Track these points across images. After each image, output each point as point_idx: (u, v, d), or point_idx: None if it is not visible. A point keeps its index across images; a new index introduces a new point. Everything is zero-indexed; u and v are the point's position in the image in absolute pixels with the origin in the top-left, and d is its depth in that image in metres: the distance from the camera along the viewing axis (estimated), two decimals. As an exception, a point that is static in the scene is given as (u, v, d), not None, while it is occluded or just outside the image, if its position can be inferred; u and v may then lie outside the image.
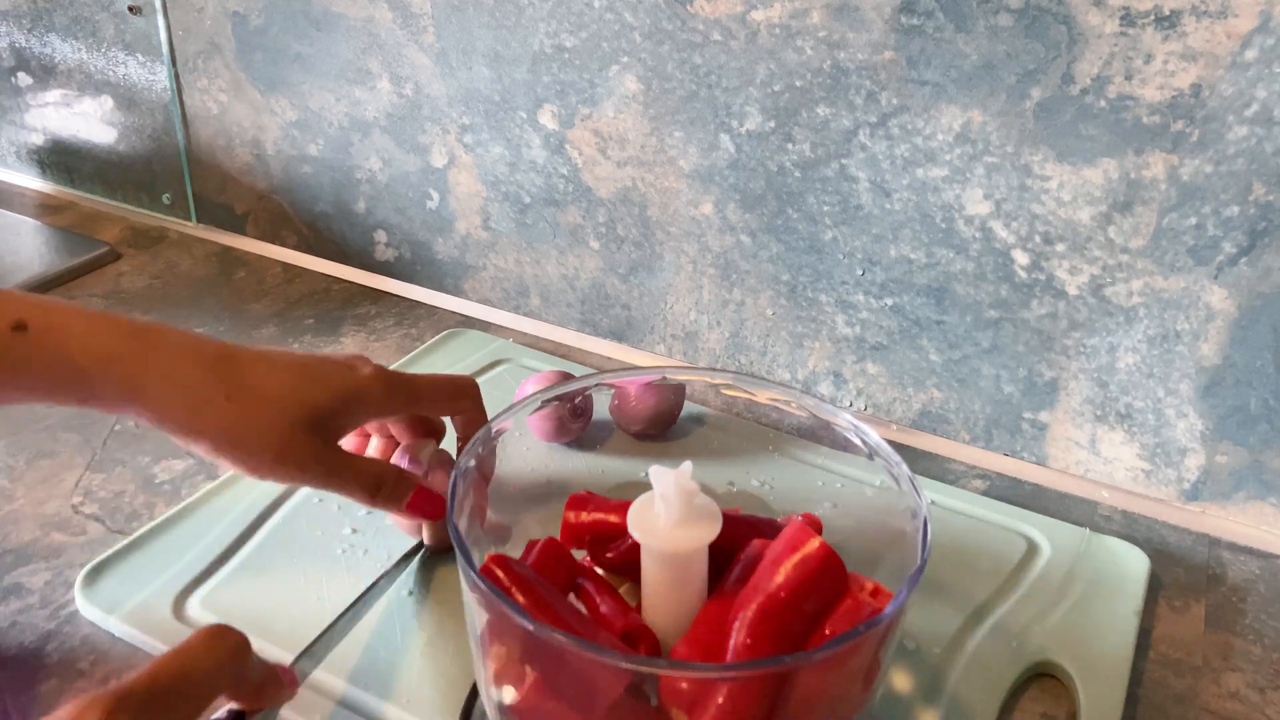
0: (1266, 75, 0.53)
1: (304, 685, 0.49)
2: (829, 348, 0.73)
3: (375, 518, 0.59)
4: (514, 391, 0.69)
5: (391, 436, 0.56)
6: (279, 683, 0.42)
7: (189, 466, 0.65)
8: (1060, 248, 0.62)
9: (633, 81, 0.71)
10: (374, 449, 0.55)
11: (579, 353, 0.81)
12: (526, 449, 0.52)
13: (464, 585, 0.38)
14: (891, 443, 0.44)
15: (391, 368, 0.74)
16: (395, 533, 0.58)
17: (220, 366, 0.46)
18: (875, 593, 0.41)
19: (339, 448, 0.50)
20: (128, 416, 0.46)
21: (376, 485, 0.50)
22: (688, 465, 0.40)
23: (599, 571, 0.46)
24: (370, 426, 0.55)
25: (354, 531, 0.58)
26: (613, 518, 0.46)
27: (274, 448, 0.46)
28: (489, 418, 0.51)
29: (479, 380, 0.74)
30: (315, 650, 0.47)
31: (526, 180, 0.79)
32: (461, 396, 0.54)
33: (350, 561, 0.56)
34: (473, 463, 0.44)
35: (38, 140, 1.06)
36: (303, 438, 0.47)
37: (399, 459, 0.54)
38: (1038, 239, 0.62)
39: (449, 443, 0.55)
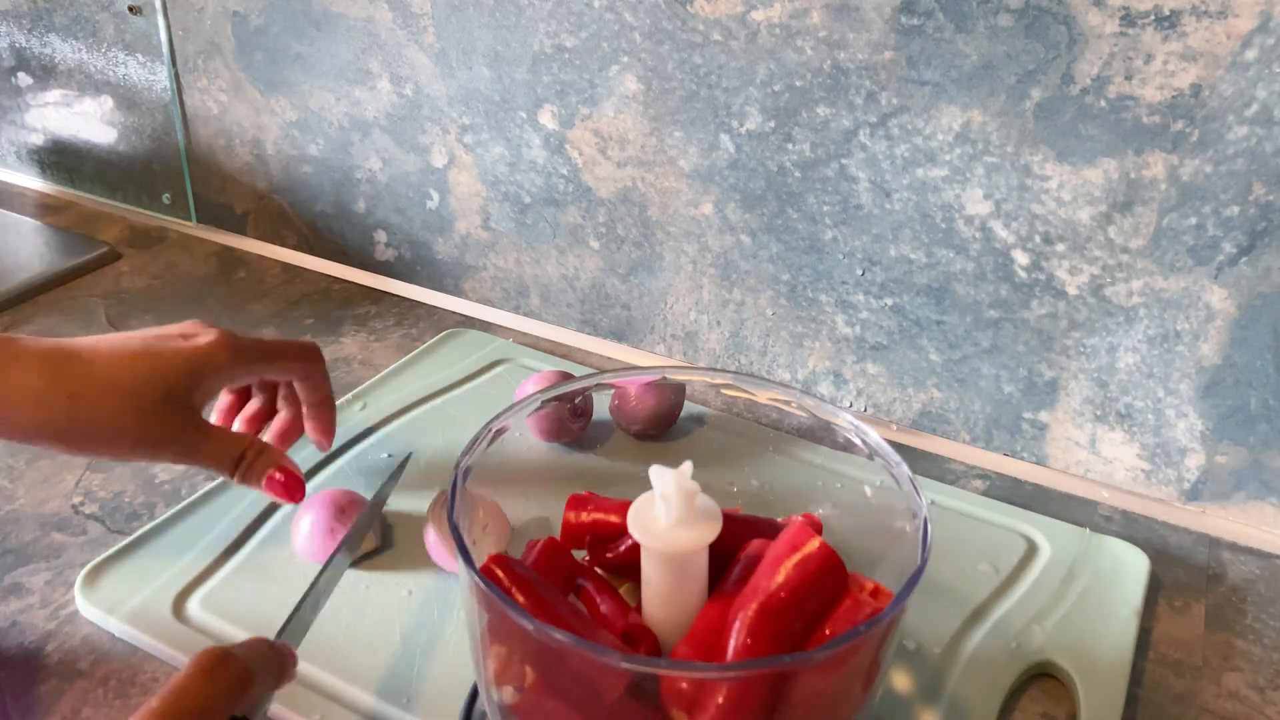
0: (1266, 75, 0.53)
1: (304, 685, 0.49)
2: (829, 348, 0.73)
3: (375, 518, 0.59)
4: (514, 391, 0.69)
5: (272, 393, 0.57)
6: (284, 665, 0.42)
7: (189, 466, 0.65)
8: (1060, 248, 0.62)
9: (633, 81, 0.71)
10: (252, 408, 0.57)
11: (579, 353, 0.81)
12: (526, 449, 0.52)
13: (464, 585, 0.38)
14: (891, 443, 0.44)
15: (391, 368, 0.74)
16: (390, 537, 0.58)
17: (57, 365, 0.46)
18: (875, 593, 0.41)
19: (199, 422, 0.50)
20: None
21: (236, 460, 0.51)
22: (688, 465, 0.40)
23: (599, 571, 0.46)
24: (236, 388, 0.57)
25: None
26: (613, 518, 0.46)
27: (130, 433, 0.47)
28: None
29: (479, 381, 0.75)
30: (290, 630, 0.46)
31: (526, 180, 0.79)
32: (309, 358, 0.56)
33: (350, 563, 0.56)
34: (472, 460, 0.44)
35: (38, 140, 1.06)
36: (156, 418, 0.47)
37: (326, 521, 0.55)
38: (1038, 239, 0.62)
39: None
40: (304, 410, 0.58)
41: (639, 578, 0.43)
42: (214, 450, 0.50)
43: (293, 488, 0.53)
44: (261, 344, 0.54)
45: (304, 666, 0.49)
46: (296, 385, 0.57)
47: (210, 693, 0.37)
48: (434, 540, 0.54)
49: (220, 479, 0.62)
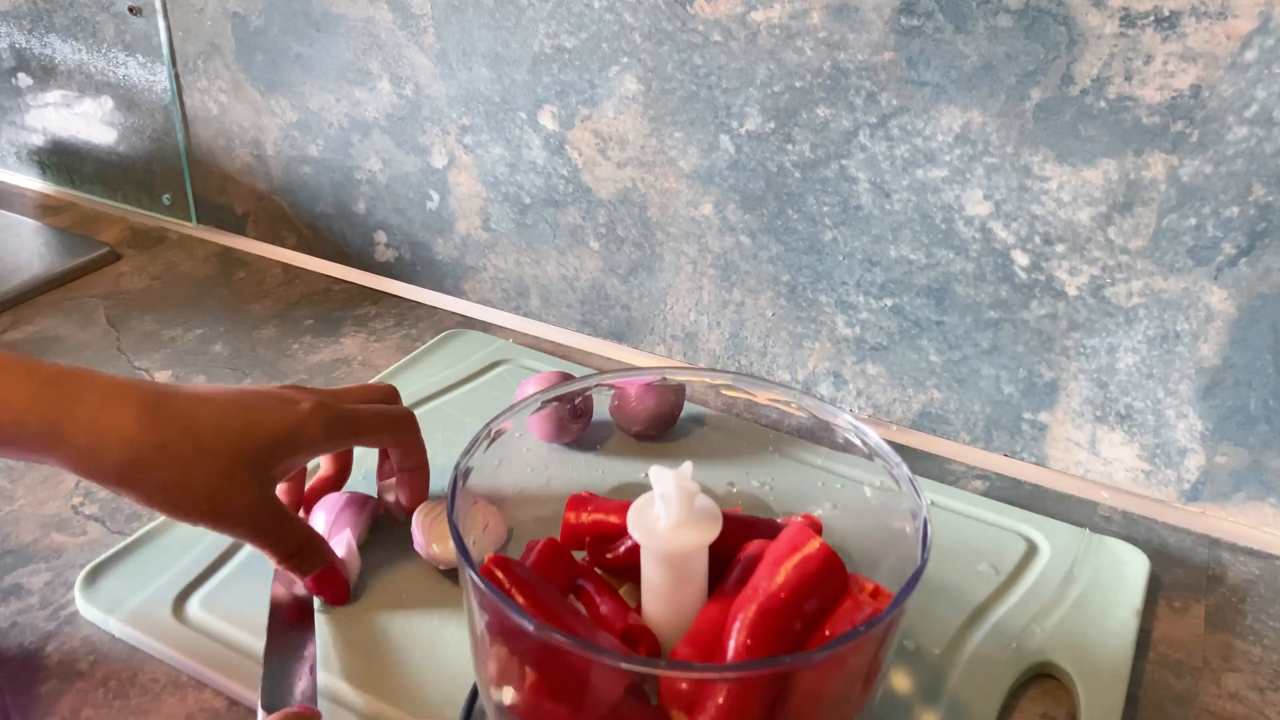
0: (1266, 76, 0.53)
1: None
2: (829, 348, 0.73)
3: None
4: (514, 392, 0.69)
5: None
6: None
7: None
8: (1060, 248, 0.62)
9: (633, 82, 0.71)
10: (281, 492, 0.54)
11: (579, 353, 0.81)
12: (526, 449, 0.52)
13: (464, 585, 0.38)
14: (891, 443, 0.44)
15: (391, 369, 0.74)
16: (390, 536, 0.58)
17: (153, 410, 0.44)
18: (875, 593, 0.41)
19: (274, 502, 0.48)
20: (49, 463, 0.44)
21: (299, 556, 0.49)
22: (688, 466, 0.40)
23: (598, 572, 0.46)
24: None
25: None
26: (613, 518, 0.46)
27: (210, 500, 0.45)
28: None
29: (479, 381, 0.75)
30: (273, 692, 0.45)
31: (526, 181, 0.79)
32: (402, 429, 0.54)
33: (350, 562, 0.56)
34: (472, 461, 0.44)
35: (38, 141, 1.06)
36: (239, 488, 0.45)
37: (338, 539, 0.54)
38: (1037, 239, 0.62)
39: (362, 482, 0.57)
40: (397, 473, 0.56)
41: (639, 578, 0.43)
42: (280, 539, 0.48)
43: (338, 591, 0.52)
44: (357, 418, 0.51)
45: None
46: (390, 452, 0.55)
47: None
48: (420, 539, 0.54)
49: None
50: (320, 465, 0.58)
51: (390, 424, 0.53)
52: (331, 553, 0.51)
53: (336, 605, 0.52)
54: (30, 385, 0.43)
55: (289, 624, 0.50)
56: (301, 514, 0.57)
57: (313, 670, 0.47)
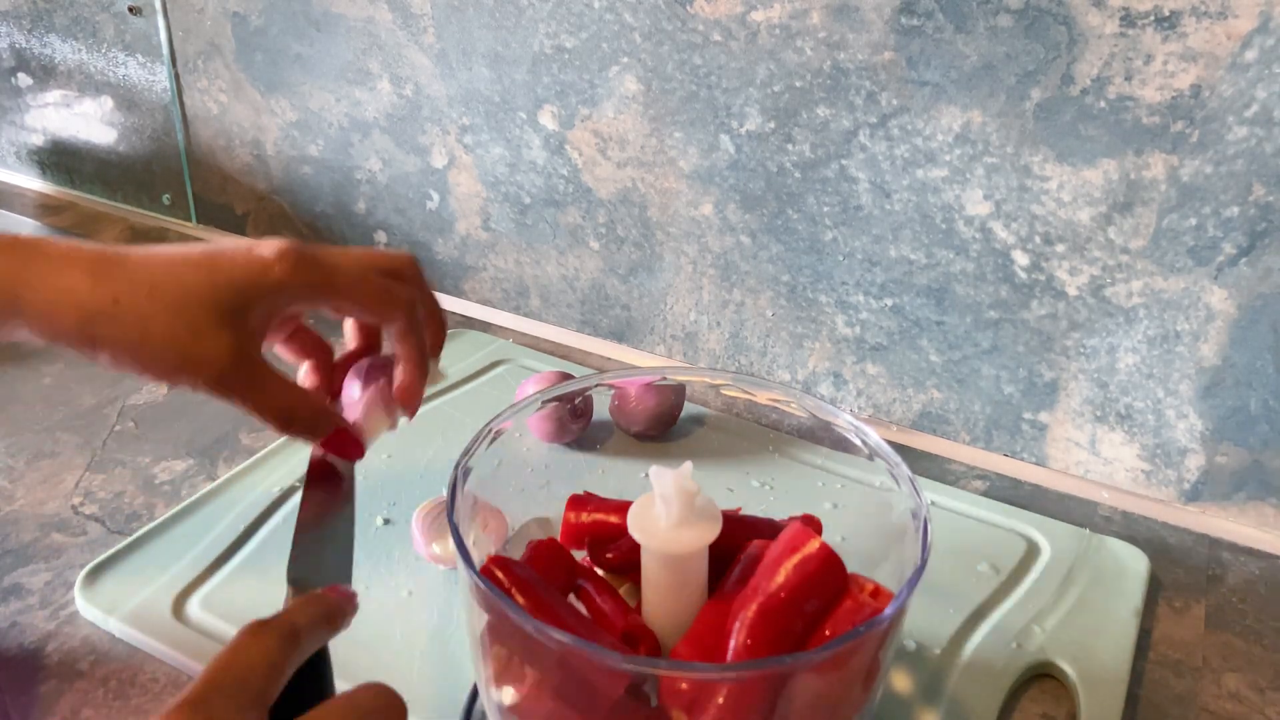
0: (1266, 76, 0.53)
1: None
2: (829, 348, 0.73)
3: (370, 527, 0.59)
4: (514, 392, 0.69)
5: (318, 359, 0.50)
6: (335, 611, 0.39)
7: (189, 467, 0.65)
8: (1060, 248, 0.62)
9: (633, 82, 0.71)
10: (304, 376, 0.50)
11: (579, 353, 0.81)
12: (526, 449, 0.52)
13: (464, 585, 0.38)
14: (891, 443, 0.44)
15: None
16: (392, 541, 0.58)
17: (105, 268, 0.42)
18: (875, 593, 0.41)
19: (254, 358, 0.44)
20: (17, 335, 0.42)
21: (289, 414, 0.45)
22: (688, 465, 0.40)
23: (599, 572, 0.46)
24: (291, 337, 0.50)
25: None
26: (613, 518, 0.46)
27: (174, 351, 0.42)
28: (443, 331, 0.47)
29: (479, 381, 0.75)
30: (329, 572, 0.42)
31: (526, 181, 0.79)
32: (390, 305, 0.47)
33: (350, 562, 0.56)
34: (471, 461, 0.44)
35: (38, 141, 1.06)
36: (206, 337, 0.42)
37: (349, 380, 0.49)
38: (1037, 239, 0.62)
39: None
40: (395, 360, 0.49)
41: (639, 578, 0.43)
42: (270, 397, 0.44)
43: (350, 447, 0.48)
44: (335, 263, 0.45)
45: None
46: (385, 333, 0.49)
47: (257, 657, 0.34)
48: (420, 539, 0.54)
49: (221, 480, 0.62)
50: (345, 338, 0.52)
51: (374, 292, 0.46)
52: (336, 418, 0.47)
53: (351, 460, 0.48)
54: None
55: (324, 492, 0.47)
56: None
57: (349, 547, 0.44)
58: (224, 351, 0.43)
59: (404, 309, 0.47)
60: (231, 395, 0.44)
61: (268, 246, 0.44)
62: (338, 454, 0.48)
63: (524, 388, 0.67)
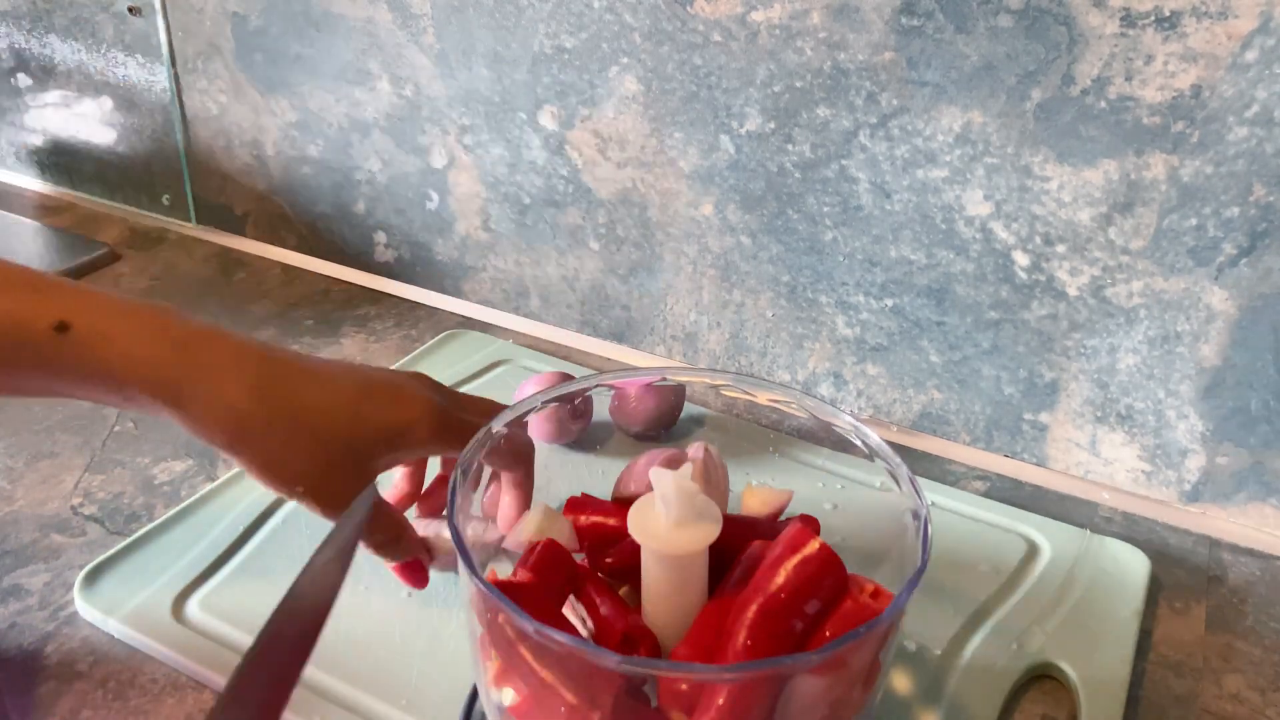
0: (1267, 76, 0.53)
1: (303, 687, 0.48)
2: (829, 349, 0.73)
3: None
4: (514, 392, 0.69)
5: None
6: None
7: (188, 468, 0.65)
8: (1060, 249, 0.62)
9: (633, 82, 0.71)
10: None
11: (579, 354, 0.81)
12: (526, 450, 0.51)
13: (464, 586, 0.38)
14: (891, 444, 0.44)
15: (393, 368, 0.74)
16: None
17: (264, 386, 0.44)
18: (875, 594, 0.41)
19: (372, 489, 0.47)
20: (162, 417, 0.45)
21: (384, 542, 0.49)
22: (688, 466, 0.40)
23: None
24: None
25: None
26: (611, 521, 0.45)
27: (307, 481, 0.45)
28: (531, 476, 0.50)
29: (479, 382, 0.75)
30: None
31: (526, 181, 0.79)
32: (518, 461, 0.50)
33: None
34: (476, 462, 0.44)
35: (37, 141, 1.06)
36: (338, 475, 0.45)
37: (424, 528, 0.53)
38: (1038, 240, 0.62)
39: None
40: (502, 493, 0.52)
41: (638, 581, 0.43)
42: (373, 525, 0.48)
43: (417, 579, 0.51)
44: (472, 429, 0.46)
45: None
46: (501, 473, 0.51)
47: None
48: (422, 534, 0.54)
49: (220, 481, 0.62)
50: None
51: (508, 453, 0.49)
52: (419, 546, 0.51)
53: (417, 588, 0.52)
54: (162, 346, 0.43)
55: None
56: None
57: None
58: (348, 491, 0.45)
59: (528, 462, 0.50)
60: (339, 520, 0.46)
61: (415, 402, 0.47)
62: (404, 578, 0.51)
63: (524, 388, 0.67)
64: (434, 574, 0.56)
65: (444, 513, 0.53)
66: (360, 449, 0.46)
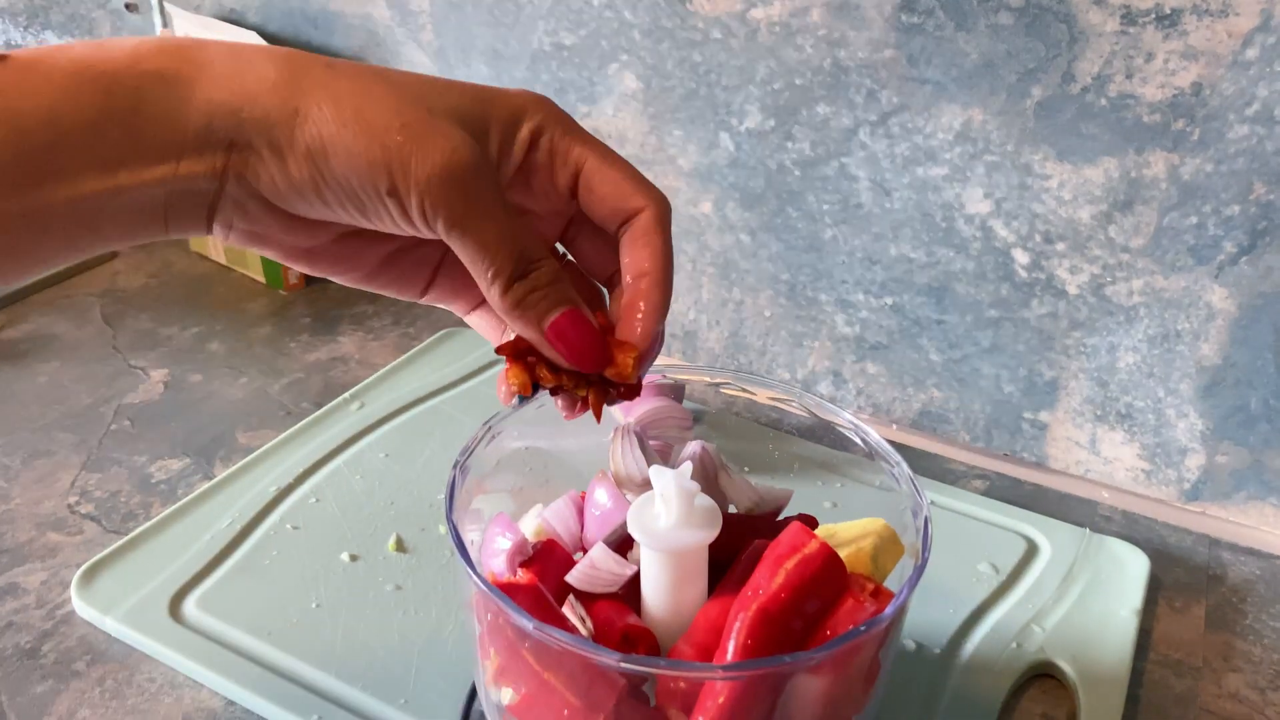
0: (1268, 74, 0.53)
1: (301, 686, 0.48)
2: (829, 347, 0.73)
3: (369, 526, 0.59)
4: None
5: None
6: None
7: (185, 466, 0.65)
8: (1060, 247, 0.62)
9: (632, 80, 0.71)
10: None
11: (577, 352, 0.81)
12: (525, 448, 0.51)
13: (464, 585, 0.38)
14: (891, 443, 0.44)
15: (389, 368, 0.74)
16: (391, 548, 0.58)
17: (383, 84, 0.34)
18: (876, 593, 0.41)
19: (495, 183, 0.35)
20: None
21: (517, 263, 0.34)
22: (688, 466, 0.40)
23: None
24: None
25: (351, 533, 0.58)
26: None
27: (408, 130, 0.33)
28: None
29: (477, 380, 0.74)
30: None
31: (525, 179, 0.79)
32: (648, 190, 0.38)
33: (347, 563, 0.56)
34: (470, 459, 0.44)
35: (34, 138, 1.05)
36: (445, 126, 0.33)
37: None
38: (1038, 238, 0.62)
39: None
40: (624, 283, 0.38)
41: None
42: (494, 226, 0.33)
43: (587, 351, 0.35)
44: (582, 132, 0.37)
45: (302, 667, 0.49)
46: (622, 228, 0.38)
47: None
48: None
49: (217, 479, 0.62)
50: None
51: (631, 183, 0.38)
52: (574, 294, 0.36)
53: (587, 371, 0.37)
54: (267, 67, 0.33)
55: None
56: None
57: None
58: (460, 144, 0.33)
59: (659, 200, 0.38)
60: (454, 211, 0.33)
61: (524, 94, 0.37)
62: (567, 353, 0.35)
63: (522, 386, 0.66)
64: (431, 572, 0.55)
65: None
66: (460, 108, 0.35)
